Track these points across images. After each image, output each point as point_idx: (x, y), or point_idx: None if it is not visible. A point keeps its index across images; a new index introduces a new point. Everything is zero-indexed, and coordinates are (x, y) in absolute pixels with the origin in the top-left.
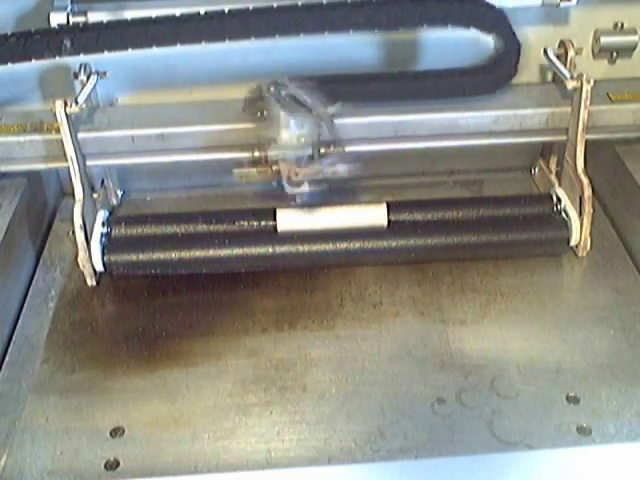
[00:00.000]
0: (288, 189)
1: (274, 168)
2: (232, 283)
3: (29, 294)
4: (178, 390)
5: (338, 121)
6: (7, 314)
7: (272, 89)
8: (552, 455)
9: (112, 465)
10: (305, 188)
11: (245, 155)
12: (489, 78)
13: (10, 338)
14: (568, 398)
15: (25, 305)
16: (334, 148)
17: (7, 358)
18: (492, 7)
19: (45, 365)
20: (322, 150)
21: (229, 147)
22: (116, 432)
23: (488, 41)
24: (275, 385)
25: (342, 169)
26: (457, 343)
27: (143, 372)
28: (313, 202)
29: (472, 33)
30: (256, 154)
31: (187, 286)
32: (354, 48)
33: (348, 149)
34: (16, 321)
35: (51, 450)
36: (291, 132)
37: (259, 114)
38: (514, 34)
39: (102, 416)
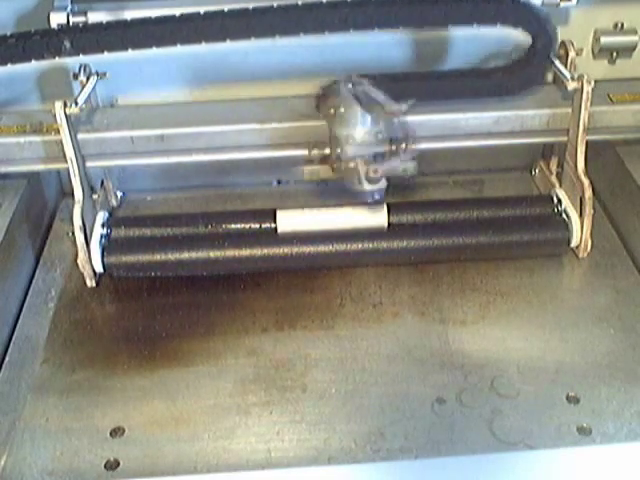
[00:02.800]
0: (365, 186)
1: (350, 165)
2: (232, 283)
3: (29, 294)
4: (178, 390)
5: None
6: (7, 314)
7: (349, 86)
8: (552, 455)
9: (112, 465)
10: (382, 185)
11: (245, 156)
12: (520, 77)
13: (10, 338)
14: (568, 398)
15: (25, 305)
16: (406, 145)
17: (7, 358)
18: (519, 2)
19: (45, 365)
20: (393, 147)
21: (229, 148)
22: (116, 432)
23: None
24: (275, 385)
25: (411, 166)
26: (457, 343)
27: (143, 372)
28: (381, 200)
29: (501, 31)
30: (326, 151)
31: (187, 286)
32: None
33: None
34: (16, 321)
35: (51, 450)
36: (367, 129)
37: (332, 111)
38: (546, 28)
39: (102, 416)
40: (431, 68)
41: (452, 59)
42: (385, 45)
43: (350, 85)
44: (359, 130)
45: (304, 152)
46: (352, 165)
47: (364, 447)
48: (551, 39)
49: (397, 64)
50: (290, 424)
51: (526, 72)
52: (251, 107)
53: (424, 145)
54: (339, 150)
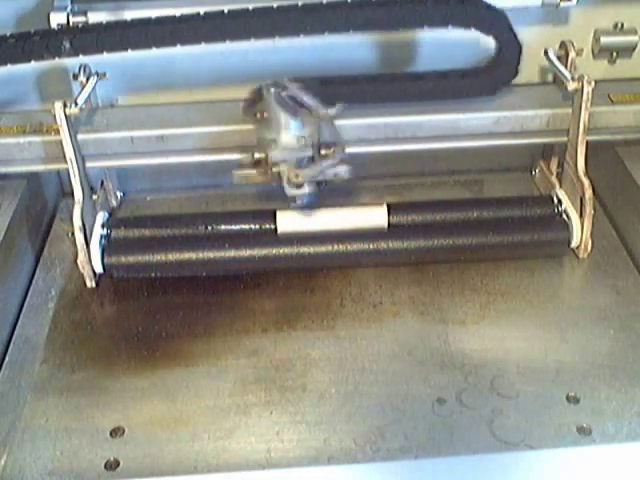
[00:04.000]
0: (288, 191)
1: (274, 170)
2: (232, 283)
3: (29, 294)
4: (178, 390)
5: (338, 122)
6: (7, 314)
7: (272, 90)
8: (552, 455)
9: (112, 465)
10: (305, 190)
11: (245, 156)
12: (490, 79)
13: (10, 338)
14: (568, 398)
15: (25, 305)
16: (335, 149)
17: (7, 358)
18: (492, 8)
19: (45, 365)
20: (323, 152)
21: (229, 148)
22: (116, 432)
23: (488, 42)
24: (275, 385)
25: (343, 170)
26: (457, 343)
27: (143, 372)
28: (312, 204)
29: (472, 34)
30: (256, 155)
31: (187, 286)
32: (353, 49)
33: (348, 150)
34: (16, 321)
35: (51, 450)
36: (291, 133)
37: (259, 115)
38: (515, 35)
39: (102, 416)
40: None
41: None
42: (384, 45)
43: (278, 89)
44: (284, 135)
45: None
46: (277, 169)
47: (364, 447)
48: (518, 49)
49: (396, 65)
50: (290, 424)
51: (490, 77)
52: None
53: (425, 145)
54: (265, 155)
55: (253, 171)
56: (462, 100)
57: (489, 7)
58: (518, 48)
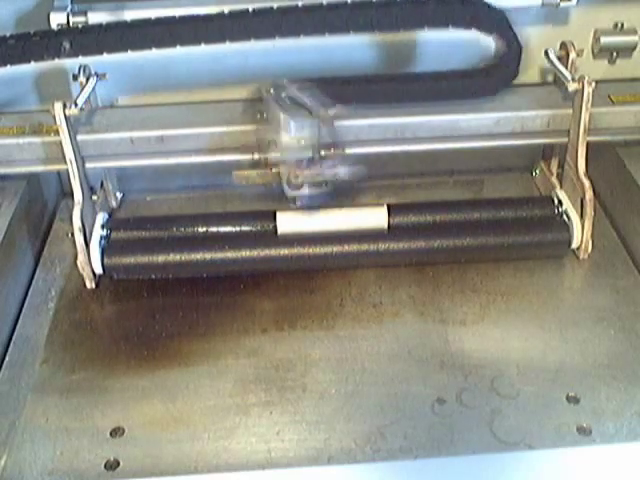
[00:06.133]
0: (288, 191)
1: (274, 170)
2: (232, 283)
3: (29, 294)
4: (178, 390)
5: (338, 123)
6: (7, 314)
7: (272, 91)
8: (552, 455)
9: (112, 465)
10: (305, 191)
11: (245, 157)
12: (490, 80)
13: (10, 338)
14: (568, 398)
15: (25, 305)
16: (334, 150)
17: (7, 358)
18: (493, 8)
19: (45, 365)
20: (322, 153)
21: (229, 149)
22: (116, 432)
23: (489, 42)
24: (275, 385)
25: (342, 171)
26: (457, 343)
27: (143, 372)
28: (312, 205)
29: (472, 34)
30: (256, 156)
31: (187, 286)
32: (354, 50)
33: (349, 151)
34: (16, 321)
35: (51, 450)
36: (291, 134)
37: (259, 116)
38: (515, 35)
39: (102, 416)
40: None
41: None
42: (385, 46)
43: (277, 90)
44: (283, 135)
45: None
46: (276, 170)
47: (364, 447)
48: (519, 48)
49: (396, 66)
50: (290, 424)
51: (492, 77)
52: (251, 108)
53: (425, 146)
54: (265, 155)
55: (253, 172)
56: (463, 101)
57: (489, 7)
58: (519, 48)
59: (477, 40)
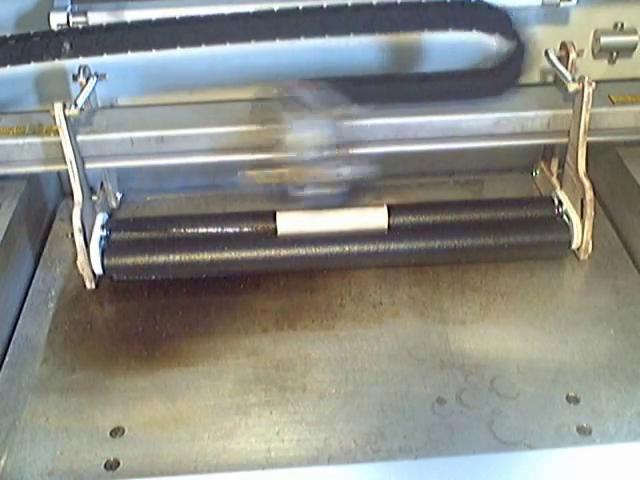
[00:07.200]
0: (292, 192)
1: (280, 170)
2: (232, 283)
3: (29, 294)
4: (178, 390)
5: (341, 123)
6: (7, 314)
7: (279, 91)
8: (552, 455)
9: (112, 465)
10: (308, 191)
11: (248, 158)
12: (497, 80)
13: (10, 338)
14: (568, 398)
15: (25, 305)
16: (340, 150)
17: (7, 358)
18: (494, 8)
19: (45, 365)
20: (328, 152)
21: (229, 150)
22: (116, 432)
23: (491, 43)
24: (275, 385)
25: (346, 172)
26: (457, 343)
27: (143, 372)
28: (318, 205)
29: (475, 35)
30: (261, 157)
31: (187, 286)
32: (356, 50)
33: (355, 151)
34: (16, 321)
35: (51, 450)
36: (297, 135)
37: (266, 117)
38: (518, 34)
39: (102, 416)
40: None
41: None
42: (387, 47)
43: (282, 90)
44: (289, 136)
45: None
46: (282, 170)
47: (364, 447)
48: (526, 47)
49: (399, 66)
50: (290, 424)
51: (500, 77)
52: (249, 108)
53: (425, 146)
54: (270, 155)
55: (259, 172)
56: (469, 101)
57: (490, 7)
58: (523, 47)
59: (480, 41)
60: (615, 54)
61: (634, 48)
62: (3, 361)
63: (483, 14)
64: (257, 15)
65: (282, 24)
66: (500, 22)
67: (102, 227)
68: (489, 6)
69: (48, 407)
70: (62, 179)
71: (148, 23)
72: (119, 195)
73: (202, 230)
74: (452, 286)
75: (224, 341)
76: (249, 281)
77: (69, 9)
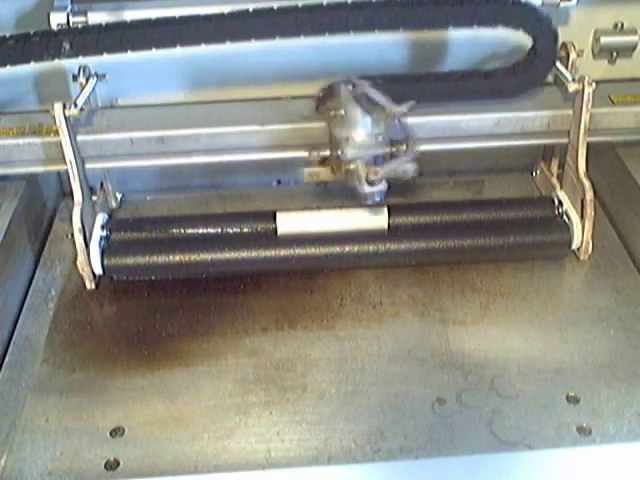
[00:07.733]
0: (364, 188)
1: (350, 167)
2: (232, 283)
3: (29, 294)
4: (178, 390)
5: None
6: (7, 314)
7: (347, 87)
8: (552, 455)
9: (112, 465)
10: (382, 187)
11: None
12: (528, 75)
13: (10, 338)
14: (568, 398)
15: (25, 305)
16: (407, 146)
17: (7, 358)
18: (518, 3)
19: (45, 365)
20: (393, 149)
21: (229, 150)
22: (116, 432)
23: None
24: (275, 385)
25: (411, 168)
26: (457, 343)
27: (143, 372)
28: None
29: (500, 32)
30: (324, 153)
31: (187, 286)
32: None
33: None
34: (16, 321)
35: (51, 450)
36: (365, 131)
37: (332, 113)
38: (544, 30)
39: (102, 416)
40: (431, 69)
41: (451, 60)
42: (385, 46)
43: (350, 87)
44: (359, 132)
45: (304, 154)
46: (352, 167)
47: (364, 447)
48: (553, 41)
49: (397, 65)
50: (290, 424)
51: (527, 74)
52: (251, 108)
53: (425, 146)
54: (339, 152)
55: (322, 169)
56: (506, 99)
57: (514, 3)
58: (549, 43)
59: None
60: (615, 54)
61: (634, 48)
62: (3, 361)
63: (507, 10)
64: (257, 13)
65: (284, 22)
66: (524, 17)
67: (102, 227)
68: (512, 2)
69: (48, 407)
70: (62, 179)
71: (148, 23)
72: (119, 195)
73: (202, 230)
74: (452, 286)
75: (224, 341)
76: (249, 281)
77: (69, 9)
